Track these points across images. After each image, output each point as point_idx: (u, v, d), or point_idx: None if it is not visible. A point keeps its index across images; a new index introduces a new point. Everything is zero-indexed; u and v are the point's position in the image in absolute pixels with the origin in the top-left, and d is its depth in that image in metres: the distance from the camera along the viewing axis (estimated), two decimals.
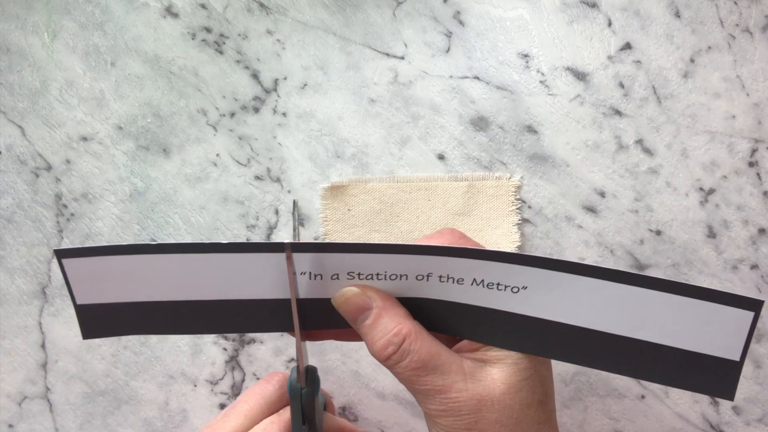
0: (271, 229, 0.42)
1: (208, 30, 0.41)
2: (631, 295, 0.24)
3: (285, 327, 0.28)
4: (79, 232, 0.42)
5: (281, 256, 0.25)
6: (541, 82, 0.41)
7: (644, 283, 0.23)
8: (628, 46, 0.41)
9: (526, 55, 0.41)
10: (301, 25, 0.41)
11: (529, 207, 0.41)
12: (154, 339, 0.42)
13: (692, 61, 0.40)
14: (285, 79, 0.41)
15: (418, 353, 0.26)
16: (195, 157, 0.41)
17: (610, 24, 0.41)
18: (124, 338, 0.42)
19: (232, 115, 0.41)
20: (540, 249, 0.41)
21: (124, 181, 0.42)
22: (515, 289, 0.25)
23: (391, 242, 0.29)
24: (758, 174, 0.40)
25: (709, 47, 0.40)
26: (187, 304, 0.26)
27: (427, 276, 0.26)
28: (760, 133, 0.40)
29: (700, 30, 0.40)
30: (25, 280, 0.42)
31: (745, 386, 0.41)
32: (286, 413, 0.31)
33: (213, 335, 0.41)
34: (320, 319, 0.28)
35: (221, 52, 0.41)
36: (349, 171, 0.41)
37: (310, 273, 0.26)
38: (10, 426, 0.42)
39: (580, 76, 0.41)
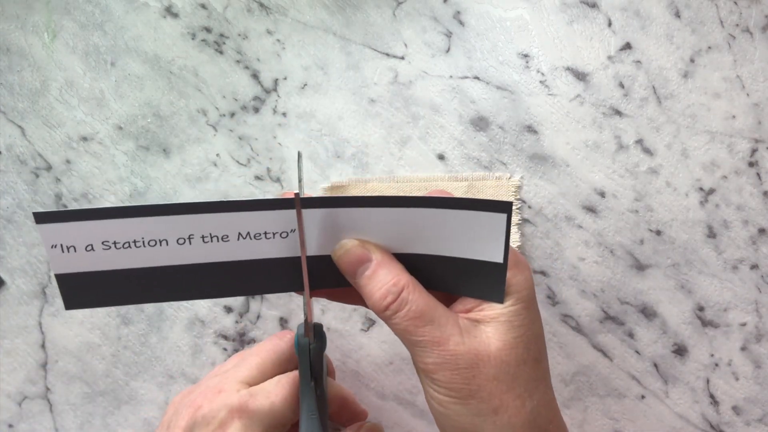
0: None
1: (208, 30, 0.41)
2: (406, 216, 0.26)
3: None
4: None
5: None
6: (541, 82, 0.41)
7: (410, 203, 0.25)
8: (628, 46, 0.41)
9: (526, 55, 0.41)
10: (301, 25, 0.41)
11: (529, 207, 0.41)
12: (154, 339, 0.42)
13: (692, 61, 0.40)
14: (285, 79, 0.41)
15: (416, 303, 0.27)
16: (195, 157, 0.41)
17: (610, 24, 0.41)
18: (124, 338, 0.42)
19: (232, 115, 0.41)
20: (540, 249, 0.41)
21: (124, 181, 0.42)
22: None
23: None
24: (758, 174, 0.40)
25: (709, 47, 0.40)
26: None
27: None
28: (760, 133, 0.40)
29: (700, 30, 0.40)
30: (25, 280, 0.42)
31: (745, 386, 0.41)
32: (294, 374, 0.31)
33: (212, 336, 0.41)
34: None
35: (221, 52, 0.41)
36: (349, 171, 0.41)
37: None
38: (10, 426, 0.42)
39: (580, 76, 0.41)
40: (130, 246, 0.25)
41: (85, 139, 0.42)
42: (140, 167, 0.41)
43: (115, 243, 0.24)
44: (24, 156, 0.42)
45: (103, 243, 0.25)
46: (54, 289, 0.42)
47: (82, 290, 0.26)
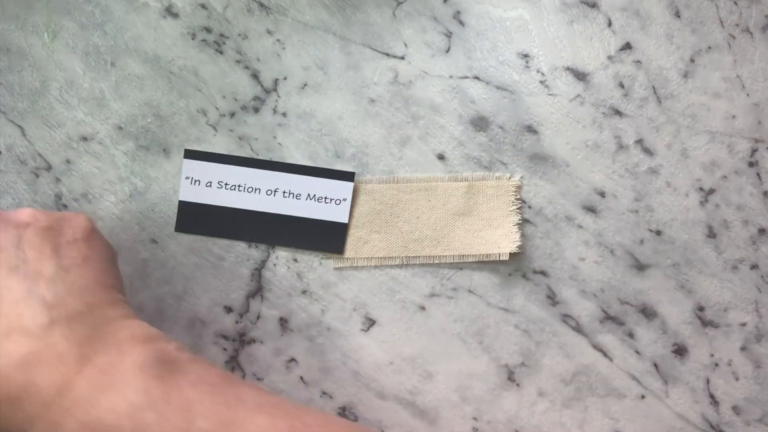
0: None
1: (208, 30, 0.41)
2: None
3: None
4: None
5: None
6: (541, 82, 0.41)
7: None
8: (628, 46, 0.41)
9: (526, 55, 0.41)
10: (301, 25, 0.41)
11: (529, 207, 0.41)
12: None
13: (692, 61, 0.40)
14: (285, 79, 0.41)
15: None
16: None
17: (610, 24, 0.41)
18: None
19: (232, 115, 0.41)
20: (540, 249, 0.41)
21: (124, 181, 0.42)
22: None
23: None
24: (758, 174, 0.40)
25: (709, 47, 0.40)
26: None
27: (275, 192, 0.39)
28: (760, 133, 0.40)
29: (700, 30, 0.41)
30: None
31: (745, 386, 0.41)
32: None
33: (212, 336, 0.41)
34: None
35: (221, 52, 0.41)
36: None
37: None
38: None
39: (580, 76, 0.41)
40: (234, 189, 0.37)
41: (85, 139, 0.42)
42: (140, 167, 0.41)
43: (225, 184, 0.37)
44: (24, 156, 0.42)
45: (218, 182, 0.37)
46: None
47: (192, 218, 0.38)
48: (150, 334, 0.30)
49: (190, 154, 0.37)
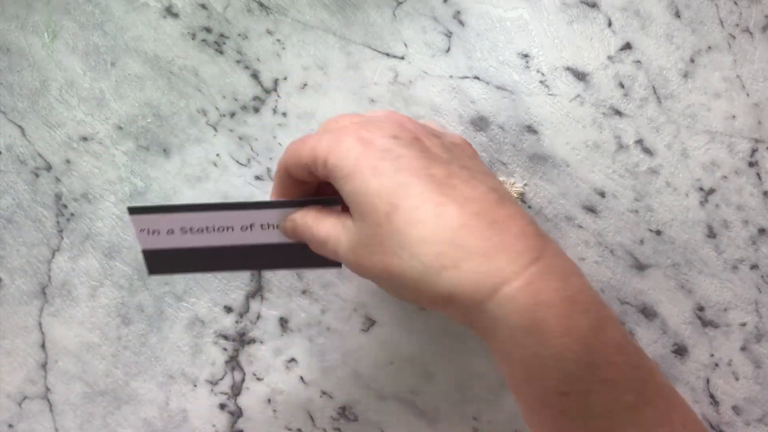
0: None
1: (208, 30, 0.41)
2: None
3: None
4: (79, 232, 0.42)
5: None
6: (541, 82, 0.41)
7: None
8: (628, 46, 0.41)
9: (526, 55, 0.41)
10: (301, 25, 0.41)
11: (529, 207, 0.41)
12: (154, 339, 0.42)
13: (692, 61, 0.40)
14: (285, 79, 0.41)
15: None
16: (195, 157, 0.41)
17: (610, 24, 0.41)
18: (124, 338, 0.42)
19: (232, 115, 0.41)
20: None
21: (124, 181, 0.42)
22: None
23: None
24: (758, 174, 0.40)
25: (709, 47, 0.40)
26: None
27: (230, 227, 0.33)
28: (760, 133, 0.40)
29: (700, 30, 0.41)
30: (25, 280, 0.42)
31: (745, 386, 0.41)
32: None
33: (212, 336, 0.41)
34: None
35: (221, 52, 0.41)
36: None
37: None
38: (10, 426, 0.42)
39: (580, 76, 0.41)
40: (201, 231, 0.33)
41: (85, 139, 0.42)
42: (140, 167, 0.41)
43: (190, 229, 0.33)
44: (24, 156, 0.42)
45: (180, 228, 0.33)
46: (54, 289, 0.42)
47: (162, 262, 0.34)
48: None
49: (135, 211, 0.32)
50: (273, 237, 0.33)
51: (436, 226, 0.24)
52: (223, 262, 0.34)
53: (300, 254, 0.33)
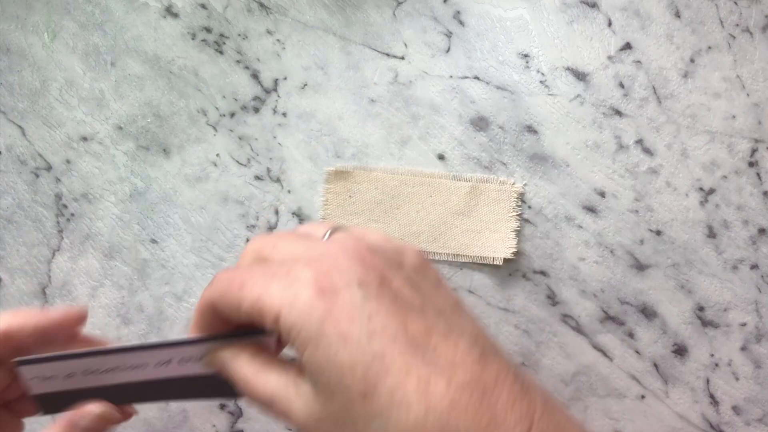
0: (271, 228, 0.42)
1: (208, 30, 0.41)
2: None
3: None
4: (79, 232, 0.42)
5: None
6: (541, 82, 0.41)
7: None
8: (628, 46, 0.41)
9: (526, 55, 0.41)
10: (301, 25, 0.41)
11: (530, 207, 0.41)
12: (154, 339, 0.42)
13: (692, 61, 0.40)
14: (285, 79, 0.41)
15: None
16: (195, 157, 0.41)
17: (610, 24, 0.41)
18: (124, 338, 0.42)
19: (232, 115, 0.41)
20: (540, 249, 0.41)
21: (124, 181, 0.42)
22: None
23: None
24: (758, 174, 0.40)
25: (709, 47, 0.40)
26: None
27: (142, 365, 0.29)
28: (760, 133, 0.40)
29: (700, 30, 0.40)
30: (25, 280, 0.42)
31: (745, 386, 0.41)
32: None
33: None
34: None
35: (221, 52, 0.41)
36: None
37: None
38: None
39: (580, 76, 0.41)
40: (108, 372, 0.28)
41: (85, 139, 0.42)
42: (140, 167, 0.41)
43: (96, 370, 0.28)
44: (24, 156, 0.42)
45: (82, 372, 0.28)
46: (54, 289, 0.42)
47: (63, 403, 0.29)
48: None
49: (25, 362, 0.27)
50: (195, 369, 0.28)
51: (423, 409, 0.22)
52: (137, 395, 0.29)
53: (227, 383, 0.27)
